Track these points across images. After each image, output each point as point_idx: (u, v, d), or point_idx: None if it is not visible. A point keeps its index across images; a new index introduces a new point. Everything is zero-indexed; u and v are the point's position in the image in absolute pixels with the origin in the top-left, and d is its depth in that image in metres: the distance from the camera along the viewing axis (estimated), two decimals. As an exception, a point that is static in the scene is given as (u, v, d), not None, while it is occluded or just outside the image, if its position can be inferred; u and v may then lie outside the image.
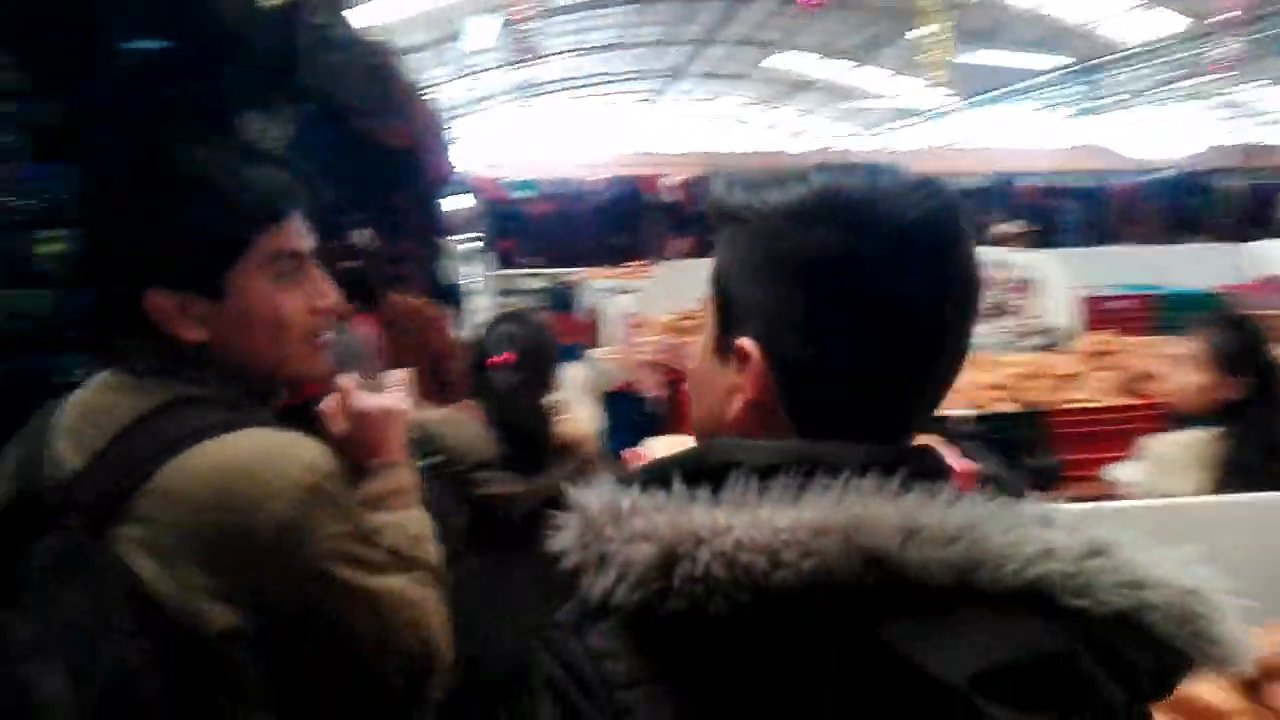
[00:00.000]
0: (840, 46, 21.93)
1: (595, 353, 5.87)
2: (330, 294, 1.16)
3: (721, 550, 0.55)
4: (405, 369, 1.44)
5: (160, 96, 3.75)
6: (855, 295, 0.63)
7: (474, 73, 23.26)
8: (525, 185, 12.72)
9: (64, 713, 0.87)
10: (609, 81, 27.14)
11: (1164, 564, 0.58)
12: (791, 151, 15.63)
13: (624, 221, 14.38)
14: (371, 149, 5.10)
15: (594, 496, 0.60)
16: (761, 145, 25.72)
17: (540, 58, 20.74)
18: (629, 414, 5.40)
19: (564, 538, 0.59)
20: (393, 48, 5.64)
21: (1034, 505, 0.62)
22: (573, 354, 8.07)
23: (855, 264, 0.63)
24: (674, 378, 4.62)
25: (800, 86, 26.98)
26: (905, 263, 0.62)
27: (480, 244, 11.51)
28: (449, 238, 8.18)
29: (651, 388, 4.78)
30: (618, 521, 0.58)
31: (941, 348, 0.65)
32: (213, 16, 3.44)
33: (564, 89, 27.03)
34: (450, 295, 6.58)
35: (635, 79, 27.20)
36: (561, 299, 7.92)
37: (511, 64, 23.05)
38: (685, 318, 4.88)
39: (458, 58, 22.06)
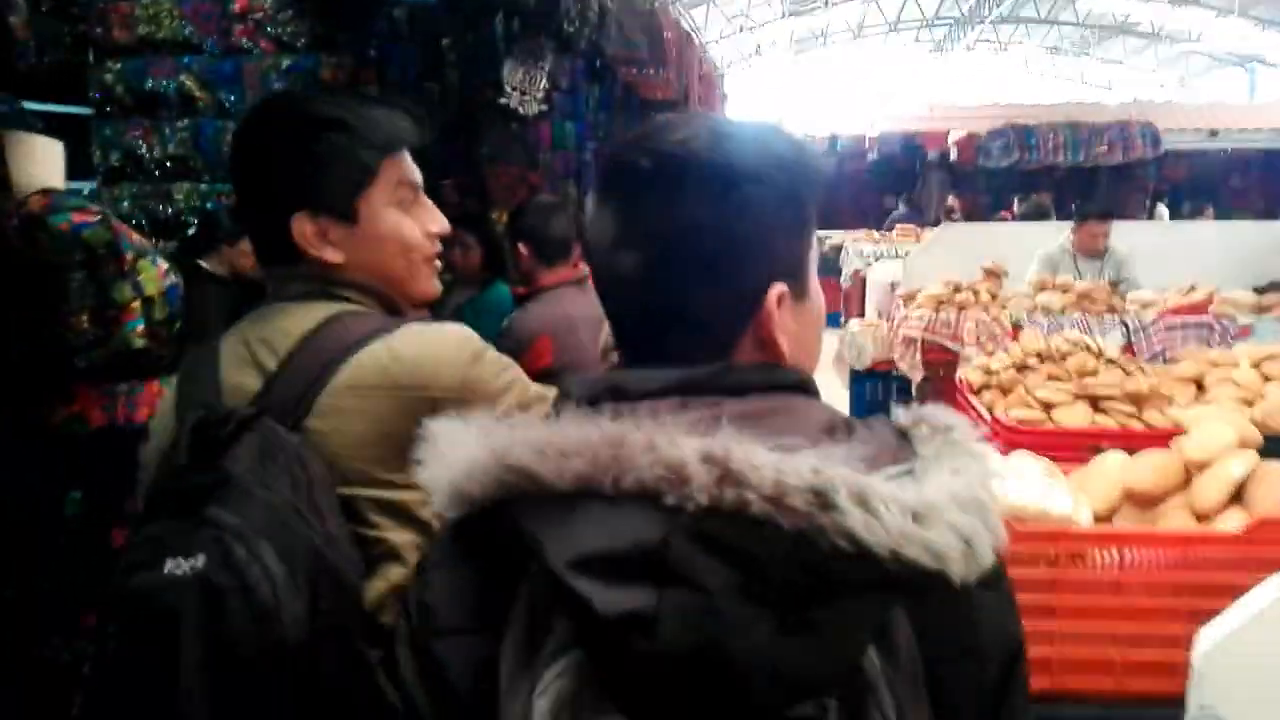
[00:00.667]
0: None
1: (852, 324, 5.40)
2: (441, 220, 1.27)
3: (458, 472, 0.71)
4: None
5: (435, 46, 3.73)
6: None
7: (751, 26, 22.82)
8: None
9: (281, 587, 0.96)
10: (896, 30, 25.73)
11: (784, 461, 0.63)
12: (1093, 103, 14.03)
13: (901, 180, 13.60)
14: (640, 101, 4.91)
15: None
16: (1062, 96, 23.32)
17: (824, 7, 19.95)
18: (877, 396, 4.89)
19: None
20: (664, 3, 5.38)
21: (702, 413, 0.71)
22: (835, 322, 7.70)
23: None
24: (937, 359, 4.06)
25: (1111, 32, 24.30)
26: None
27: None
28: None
29: (908, 368, 4.20)
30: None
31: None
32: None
33: (847, 38, 25.93)
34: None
35: (925, 26, 25.58)
36: (824, 264, 7.48)
37: (793, 14, 22.40)
38: (956, 289, 4.18)
39: (738, 8, 21.69)
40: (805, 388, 0.78)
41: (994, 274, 4.13)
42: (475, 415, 0.74)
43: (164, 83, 4.12)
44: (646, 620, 0.61)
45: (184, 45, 4.08)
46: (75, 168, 4.12)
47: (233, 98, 4.12)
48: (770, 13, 22.73)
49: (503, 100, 3.48)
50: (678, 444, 0.65)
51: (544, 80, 3.61)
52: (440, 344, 1.16)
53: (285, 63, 4.04)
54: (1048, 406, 2.10)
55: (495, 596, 0.71)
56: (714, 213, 0.75)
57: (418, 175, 1.24)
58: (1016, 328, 3.80)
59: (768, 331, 0.77)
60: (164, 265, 1.63)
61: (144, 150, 4.18)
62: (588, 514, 0.65)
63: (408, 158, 1.24)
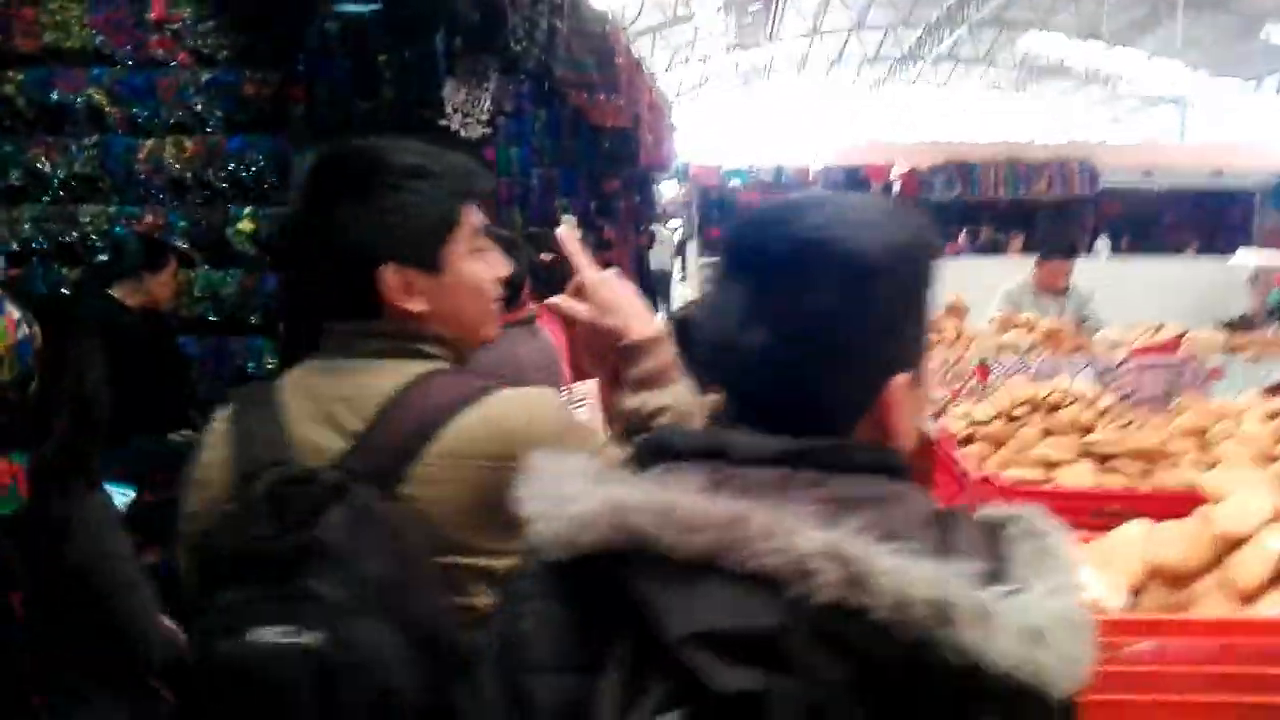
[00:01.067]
0: (1097, 28, 19.96)
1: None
2: (504, 264, 1.25)
3: (566, 518, 0.72)
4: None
5: (370, 62, 3.46)
6: None
7: (698, 59, 22.91)
8: (737, 174, 12.23)
9: (399, 664, 0.94)
10: (839, 64, 26.05)
11: (908, 570, 0.65)
12: (1029, 142, 14.29)
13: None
14: (590, 127, 4.68)
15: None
16: (999, 134, 23.77)
17: (769, 40, 20.11)
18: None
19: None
20: (617, 22, 5.18)
21: (829, 493, 0.72)
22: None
23: None
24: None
25: (1047, 72, 24.89)
26: None
27: (686, 231, 11.13)
28: (660, 224, 7.76)
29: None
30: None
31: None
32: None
33: (792, 72, 26.19)
34: (660, 284, 6.11)
35: (866, 62, 25.95)
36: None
37: (738, 46, 22.55)
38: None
39: (684, 40, 21.76)
40: (907, 474, 0.79)
41: (957, 310, 3.97)
42: (579, 457, 0.78)
43: (70, 96, 3.79)
44: (758, 702, 0.64)
45: (94, 56, 3.76)
46: (-33, 187, 3.80)
47: (146, 113, 3.81)
48: (715, 45, 22.87)
49: (443, 122, 3.23)
50: (800, 535, 0.67)
51: (488, 102, 3.36)
52: (538, 409, 1.14)
53: (205, 76, 3.75)
54: (1048, 465, 1.89)
55: (590, 640, 0.72)
56: (849, 301, 0.76)
57: (482, 219, 1.23)
58: (984, 367, 3.63)
59: (889, 420, 0.79)
60: (14, 314, 1.27)
61: (47, 168, 3.84)
62: (707, 589, 0.67)
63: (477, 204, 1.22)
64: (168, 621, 1.60)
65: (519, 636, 0.75)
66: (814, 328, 0.76)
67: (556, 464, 0.77)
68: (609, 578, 0.70)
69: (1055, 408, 2.28)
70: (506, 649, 0.76)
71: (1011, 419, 2.28)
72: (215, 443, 1.12)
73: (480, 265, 1.20)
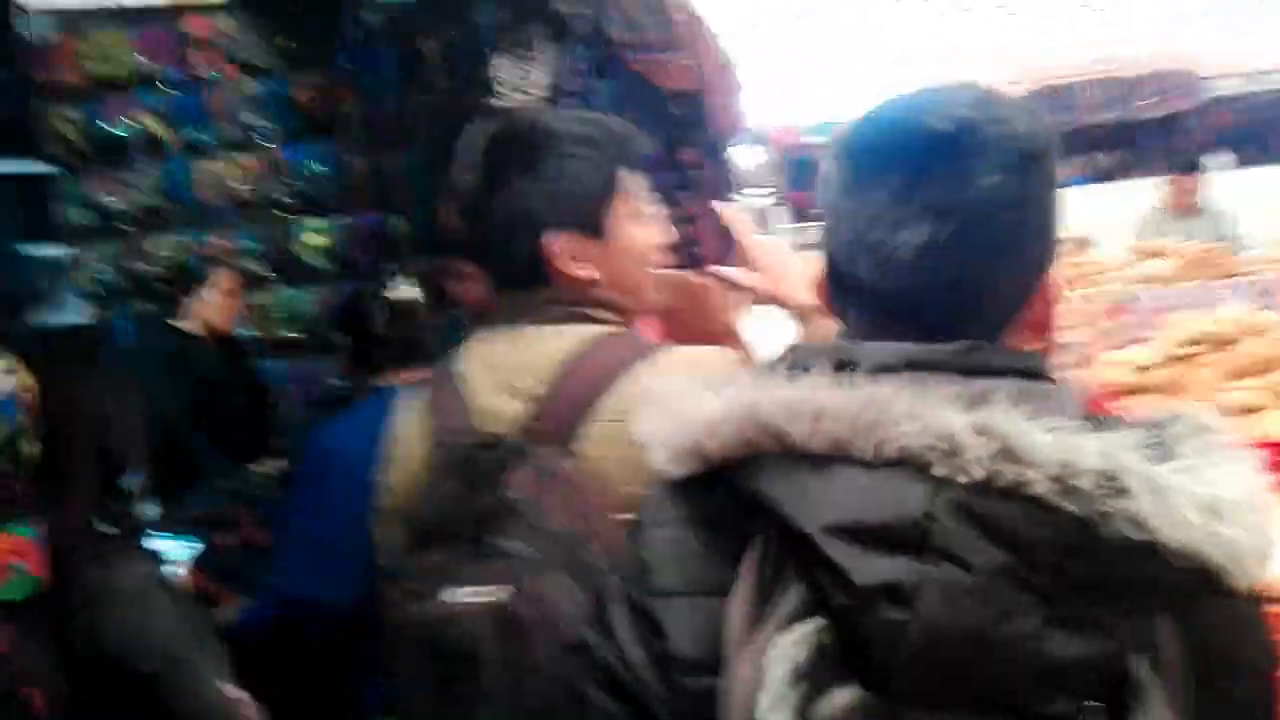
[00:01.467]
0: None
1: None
2: (670, 230, 1.25)
3: (692, 426, 0.70)
4: None
5: (414, 49, 3.26)
6: None
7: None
8: (818, 129, 11.71)
9: (582, 616, 0.90)
10: None
11: (1070, 439, 0.60)
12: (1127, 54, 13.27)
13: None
14: (652, 92, 4.41)
15: None
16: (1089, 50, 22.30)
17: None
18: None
19: None
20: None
21: (962, 385, 0.66)
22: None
23: None
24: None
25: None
26: None
27: (773, 199, 10.79)
28: (740, 194, 7.47)
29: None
30: None
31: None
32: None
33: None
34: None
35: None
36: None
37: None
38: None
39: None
40: (1054, 379, 0.72)
41: (1083, 244, 3.54)
42: (696, 378, 0.74)
43: (124, 125, 3.70)
44: (904, 593, 0.61)
45: (140, 80, 3.65)
46: (37, 231, 3.74)
47: (204, 136, 3.70)
48: None
49: (495, 101, 3.00)
50: (945, 413, 0.62)
51: (541, 74, 3.13)
52: (708, 364, 1.12)
53: (254, 88, 3.61)
54: (1247, 411, 1.56)
55: (719, 561, 0.70)
56: (1014, 186, 0.71)
57: (648, 186, 1.24)
58: (1118, 306, 3.24)
59: (1044, 318, 0.75)
60: None
61: (112, 203, 3.76)
62: (843, 479, 0.64)
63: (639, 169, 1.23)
64: (232, 690, 1.41)
65: (647, 563, 0.74)
66: (978, 216, 0.70)
67: (677, 385, 0.73)
68: (736, 488, 0.68)
69: (1226, 343, 1.93)
70: (633, 579, 0.74)
71: (1178, 360, 1.93)
72: (406, 417, 1.18)
73: (641, 230, 1.21)
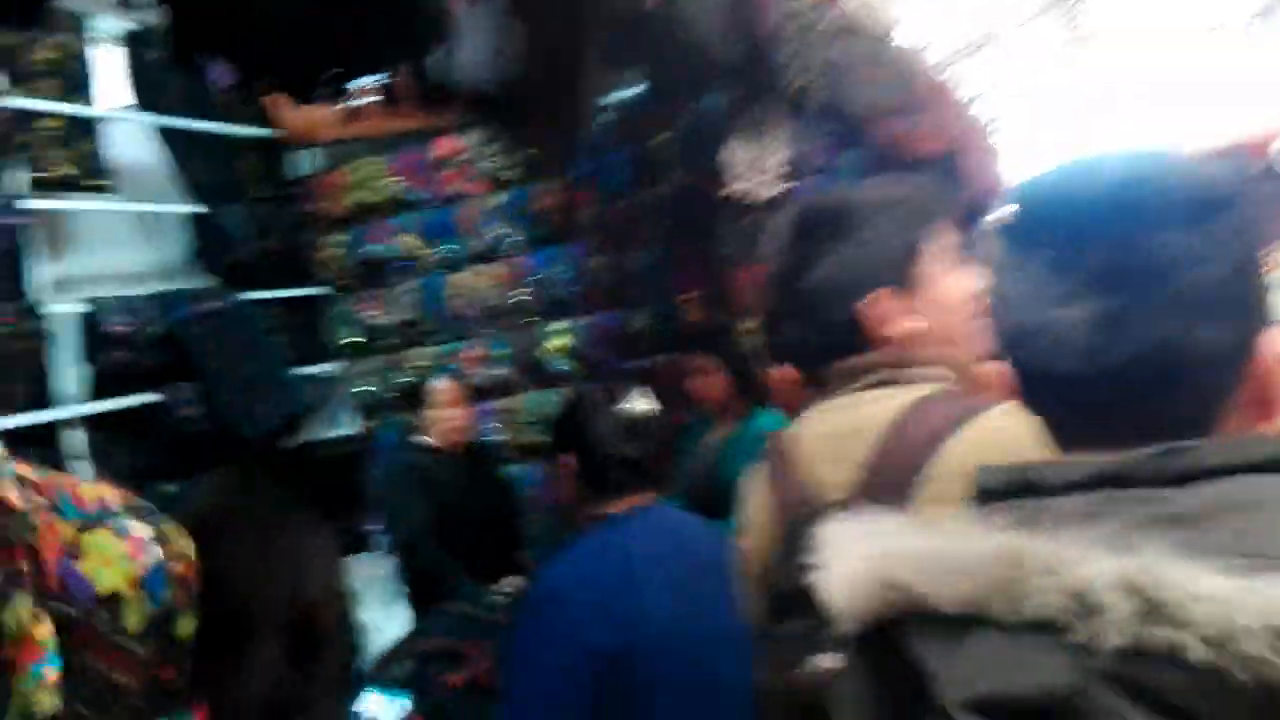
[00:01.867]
0: None
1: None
2: (980, 278, 1.12)
3: (837, 583, 0.66)
4: None
5: (648, 146, 3.21)
6: None
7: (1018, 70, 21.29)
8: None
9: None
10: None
11: (1237, 591, 0.51)
12: None
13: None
14: (897, 160, 4.15)
15: None
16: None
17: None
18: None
19: None
20: (912, 44, 4.62)
21: (1104, 527, 0.58)
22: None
23: None
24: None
25: None
26: None
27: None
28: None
29: None
30: None
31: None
32: (675, 49, 2.77)
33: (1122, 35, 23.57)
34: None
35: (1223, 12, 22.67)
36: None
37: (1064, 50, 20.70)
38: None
39: (999, 56, 20.39)
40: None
41: None
42: (870, 515, 0.70)
43: (385, 246, 3.92)
44: None
45: (398, 204, 3.87)
46: (307, 351, 4.00)
47: (455, 248, 3.85)
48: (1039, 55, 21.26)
49: (732, 188, 2.87)
50: (1087, 563, 0.55)
51: (779, 153, 2.97)
52: (1016, 441, 1.00)
53: (499, 200, 3.71)
54: None
55: (895, 716, 0.66)
56: (1198, 239, 0.62)
57: (957, 237, 1.23)
58: None
59: (1266, 389, 0.64)
60: (142, 533, 0.80)
61: (375, 320, 3.98)
62: (982, 646, 0.58)
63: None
64: None
65: (832, 713, 0.72)
66: (1156, 277, 0.61)
67: (839, 530, 0.69)
68: (899, 647, 0.62)
69: None
70: None
71: None
72: (757, 489, 1.21)
73: (955, 280, 1.19)
